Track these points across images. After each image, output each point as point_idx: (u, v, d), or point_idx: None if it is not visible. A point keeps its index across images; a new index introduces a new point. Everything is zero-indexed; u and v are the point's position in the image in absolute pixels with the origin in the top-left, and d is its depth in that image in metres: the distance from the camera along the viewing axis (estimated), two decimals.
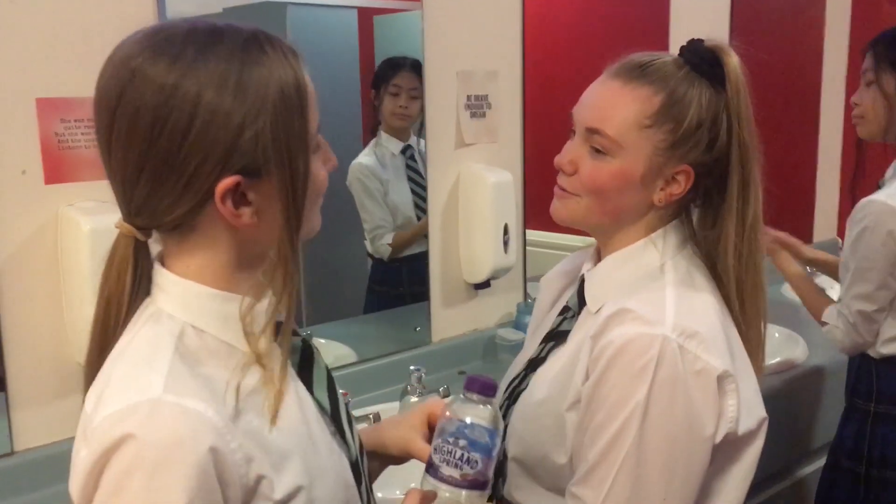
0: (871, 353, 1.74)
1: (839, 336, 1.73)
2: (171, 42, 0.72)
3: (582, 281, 1.09)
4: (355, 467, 0.85)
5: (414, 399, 1.68)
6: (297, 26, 1.80)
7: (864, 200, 1.68)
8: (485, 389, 0.88)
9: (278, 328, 0.78)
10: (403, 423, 0.98)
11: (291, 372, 0.81)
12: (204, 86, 0.70)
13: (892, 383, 1.73)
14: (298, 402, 0.80)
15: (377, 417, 1.59)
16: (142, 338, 0.75)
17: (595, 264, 1.09)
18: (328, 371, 0.87)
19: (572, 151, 1.03)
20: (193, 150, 0.71)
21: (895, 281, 1.67)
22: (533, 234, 2.21)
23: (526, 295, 2.21)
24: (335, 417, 0.85)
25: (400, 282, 2.05)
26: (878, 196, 1.67)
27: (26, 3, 1.33)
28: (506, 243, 2.01)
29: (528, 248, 2.19)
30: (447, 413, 0.88)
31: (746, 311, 1.03)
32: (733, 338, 1.02)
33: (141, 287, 0.78)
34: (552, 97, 2.20)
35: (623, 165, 1.00)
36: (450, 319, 2.04)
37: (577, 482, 0.97)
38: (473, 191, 1.99)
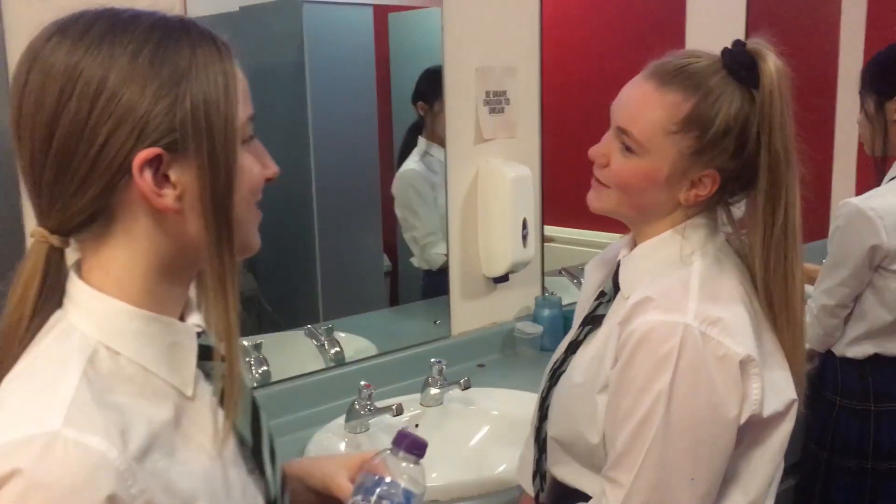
0: (835, 350, 1.86)
1: (808, 332, 1.82)
2: (78, 24, 0.68)
3: (618, 266, 1.13)
4: None
5: (435, 391, 1.71)
6: (312, 24, 1.82)
7: (842, 202, 1.80)
8: (412, 447, 0.83)
9: (209, 351, 0.73)
10: (338, 460, 0.93)
11: (213, 402, 0.74)
12: (115, 56, 0.66)
13: (854, 381, 1.84)
14: (215, 437, 0.73)
15: (399, 409, 1.61)
16: (46, 357, 0.67)
17: (630, 251, 1.13)
18: (254, 400, 0.81)
19: (606, 144, 1.07)
20: (103, 118, 0.66)
21: (856, 281, 1.77)
22: (551, 230, 2.22)
23: (544, 289, 2.22)
24: (256, 452, 0.79)
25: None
26: (855, 199, 1.78)
27: None
28: (524, 237, 2.03)
29: (546, 243, 2.21)
30: (369, 467, 0.84)
31: (778, 318, 1.04)
32: (762, 322, 1.04)
33: (50, 300, 0.70)
34: (570, 92, 2.22)
35: (649, 166, 1.03)
36: (469, 313, 2.06)
37: (610, 466, 1.01)
38: (492, 186, 2.00)
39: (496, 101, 2.03)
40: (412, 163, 2.01)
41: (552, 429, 1.14)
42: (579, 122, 2.27)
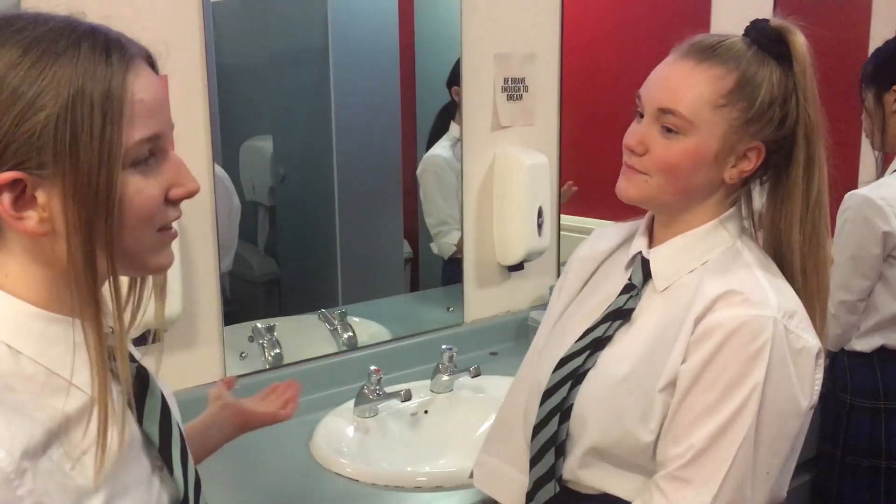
0: (846, 346, 1.84)
1: None
2: (1, 20, 0.68)
3: (644, 259, 1.09)
4: None
5: (445, 377, 1.71)
6: (337, 8, 1.82)
7: (848, 194, 1.77)
8: None
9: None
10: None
11: (121, 401, 0.74)
12: None
13: (863, 378, 1.82)
14: (121, 435, 0.73)
15: (408, 395, 1.62)
16: None
17: (649, 242, 1.10)
18: (163, 400, 0.81)
19: (641, 132, 1.03)
20: None
21: (874, 271, 1.75)
22: (567, 219, 2.21)
23: (559, 278, 2.21)
24: (164, 452, 0.79)
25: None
26: (862, 189, 1.76)
27: None
28: (540, 226, 2.02)
29: (562, 232, 2.20)
30: None
31: (809, 287, 1.04)
32: None
33: None
34: (591, 80, 2.20)
35: (697, 144, 1.00)
36: (483, 300, 2.06)
37: (683, 466, 0.97)
38: (509, 173, 1.99)
39: (514, 88, 2.01)
40: (440, 148, 2.01)
41: (589, 432, 1.06)
42: (599, 111, 2.25)
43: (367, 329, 1.89)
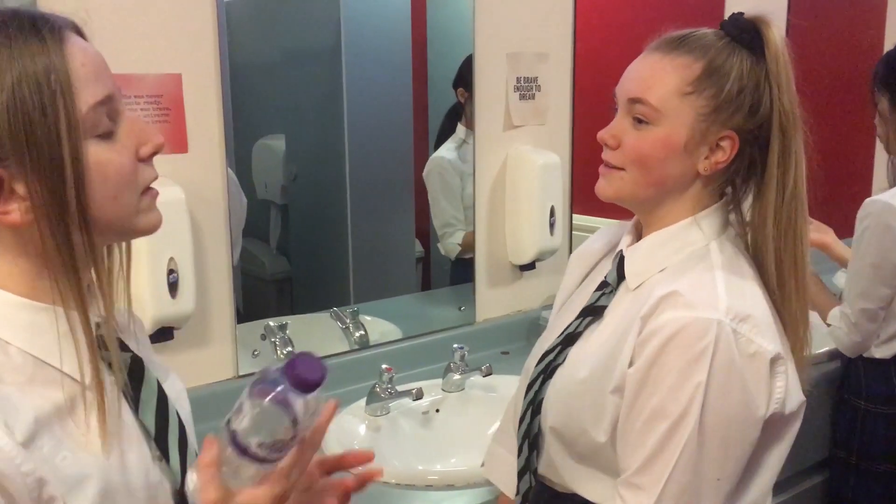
0: (864, 353, 1.80)
1: (841, 336, 1.77)
2: None
3: (621, 257, 1.09)
4: (181, 493, 0.81)
5: (457, 376, 1.71)
6: (350, 7, 1.82)
7: (868, 200, 1.74)
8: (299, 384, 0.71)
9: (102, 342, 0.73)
10: None
11: (114, 389, 0.75)
12: None
13: (879, 384, 1.80)
14: (115, 421, 0.74)
15: (419, 393, 1.62)
16: None
17: (634, 240, 1.10)
18: (160, 390, 0.82)
19: (615, 126, 1.04)
20: None
21: (895, 280, 1.71)
22: (579, 219, 2.21)
23: None
24: (160, 441, 0.80)
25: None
26: (882, 196, 1.72)
27: None
28: (552, 225, 2.02)
29: (574, 231, 2.19)
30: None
31: (785, 286, 1.02)
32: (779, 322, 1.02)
33: None
34: (603, 80, 2.17)
35: (666, 133, 1.00)
36: (494, 300, 2.06)
37: (635, 472, 0.97)
38: (521, 172, 1.99)
39: (527, 88, 2.01)
40: (445, 150, 2.01)
41: (551, 424, 1.09)
42: (612, 110, 2.24)
43: (378, 328, 1.90)
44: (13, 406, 0.68)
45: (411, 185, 2.04)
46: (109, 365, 0.76)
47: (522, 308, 2.11)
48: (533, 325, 2.08)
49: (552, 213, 2.01)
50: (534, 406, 1.12)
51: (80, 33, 0.74)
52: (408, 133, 2.01)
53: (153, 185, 0.78)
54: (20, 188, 0.68)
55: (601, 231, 1.23)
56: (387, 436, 1.59)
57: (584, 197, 2.19)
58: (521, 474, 1.15)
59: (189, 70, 1.50)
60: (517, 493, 1.16)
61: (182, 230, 1.45)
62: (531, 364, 1.16)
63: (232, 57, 1.55)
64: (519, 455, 1.15)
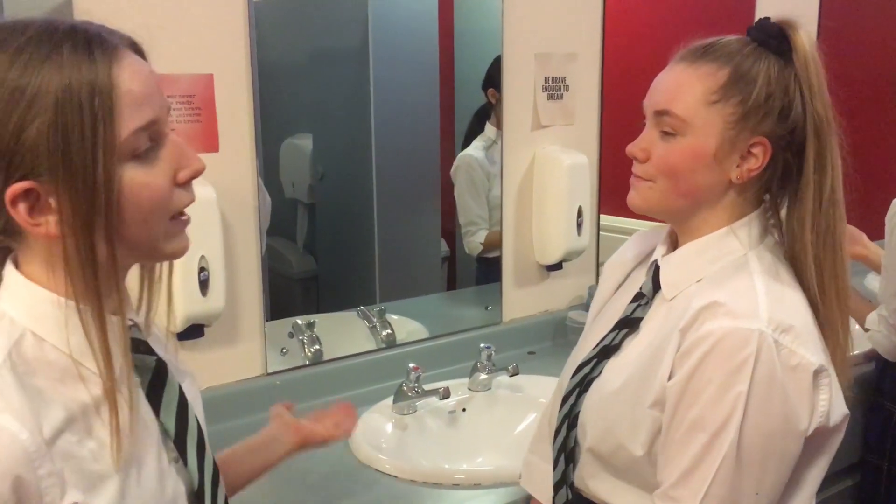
0: None
1: (881, 340, 1.73)
2: None
3: (656, 267, 1.08)
4: (197, 496, 0.83)
5: (483, 376, 1.72)
6: (377, 7, 1.83)
7: (895, 199, 1.70)
8: None
9: (139, 344, 0.75)
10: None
11: (139, 393, 0.78)
12: None
13: None
14: (140, 422, 0.76)
15: (446, 392, 1.62)
16: None
17: (669, 250, 1.08)
18: (181, 393, 0.83)
19: (644, 139, 1.03)
20: None
21: None
22: (607, 220, 2.20)
23: (598, 278, 2.20)
24: (179, 443, 0.81)
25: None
26: None
27: None
28: (579, 226, 2.01)
29: (601, 232, 2.19)
30: None
31: (827, 294, 0.99)
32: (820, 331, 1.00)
33: None
34: (632, 81, 2.16)
35: (694, 143, 0.99)
36: (521, 300, 2.06)
37: (673, 485, 0.95)
38: (548, 172, 1.99)
39: (555, 88, 2.01)
40: (473, 149, 2.01)
41: (587, 439, 1.07)
42: (640, 111, 2.22)
43: (405, 327, 1.90)
44: (44, 401, 0.70)
45: (437, 184, 2.04)
46: (137, 366, 0.77)
47: (549, 308, 2.11)
48: (560, 326, 2.08)
49: (580, 214, 2.01)
50: (569, 419, 1.11)
51: (138, 51, 0.75)
52: (434, 133, 2.01)
53: (188, 209, 0.78)
54: (53, 202, 0.69)
55: (634, 239, 1.22)
56: (414, 434, 1.60)
57: (611, 197, 2.19)
58: (557, 487, 1.14)
59: (221, 70, 1.52)
60: None
61: (213, 229, 1.46)
62: (566, 375, 1.15)
63: (260, 57, 1.56)
64: (555, 468, 1.14)
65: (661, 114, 1.01)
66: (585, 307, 2.10)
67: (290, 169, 1.80)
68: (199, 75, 1.49)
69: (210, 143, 1.52)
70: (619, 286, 1.18)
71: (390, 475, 1.43)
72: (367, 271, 1.94)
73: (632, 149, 1.04)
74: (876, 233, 1.97)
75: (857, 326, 1.78)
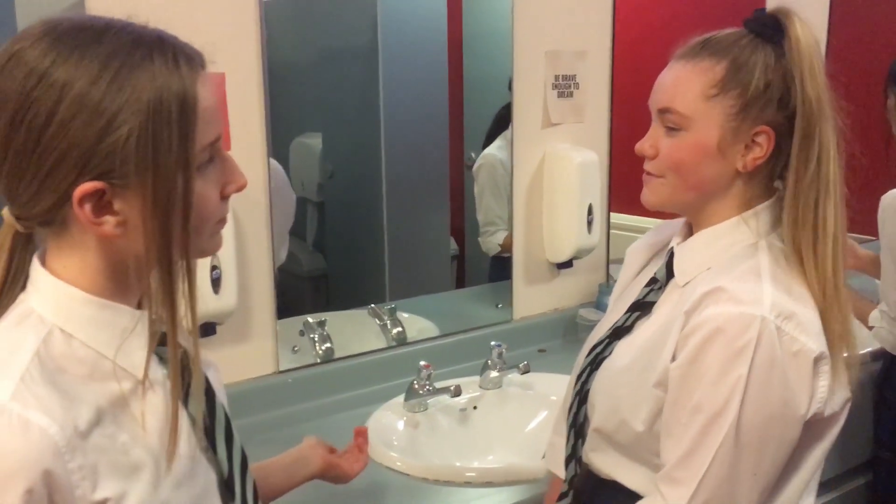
0: None
1: (885, 335, 1.74)
2: (57, 31, 0.69)
3: (671, 254, 1.11)
4: (227, 484, 0.84)
5: (495, 374, 1.72)
6: (387, 5, 1.83)
7: (883, 196, 1.73)
8: None
9: (163, 338, 0.76)
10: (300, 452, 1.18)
11: (168, 385, 0.78)
12: (74, 79, 0.67)
13: None
14: (166, 416, 0.77)
15: (458, 390, 1.62)
16: (3, 336, 0.72)
17: (685, 238, 1.11)
18: (208, 384, 0.85)
19: (651, 136, 1.07)
20: (52, 147, 0.68)
21: None
22: (617, 217, 2.20)
23: (608, 276, 2.20)
24: (208, 432, 0.83)
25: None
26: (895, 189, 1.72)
27: None
28: (589, 223, 2.01)
29: (612, 230, 2.19)
30: None
31: (821, 274, 0.98)
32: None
33: (17, 281, 0.75)
34: (642, 78, 2.15)
35: (697, 137, 1.02)
36: (531, 297, 2.06)
37: (674, 465, 0.98)
38: (558, 170, 1.99)
39: (565, 85, 2.01)
40: (495, 149, 2.02)
41: (593, 414, 1.12)
42: (650, 113, 2.22)
43: (415, 325, 1.90)
44: (75, 396, 0.71)
45: (446, 183, 2.05)
46: (161, 359, 0.78)
47: (559, 306, 2.11)
48: (570, 324, 2.07)
49: (590, 212, 2.00)
50: (580, 396, 1.15)
51: (204, 66, 0.76)
52: (443, 132, 2.01)
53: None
54: (117, 203, 0.71)
55: (657, 227, 1.25)
56: (425, 432, 1.60)
57: (622, 196, 2.18)
58: (567, 461, 1.18)
59: (232, 69, 1.52)
60: (564, 480, 1.19)
61: (226, 228, 1.45)
62: (582, 355, 1.19)
63: (270, 56, 1.56)
64: (566, 443, 1.19)
65: (664, 111, 1.04)
66: (596, 305, 2.10)
67: (299, 168, 1.80)
68: (211, 74, 1.49)
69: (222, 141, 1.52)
70: (640, 272, 1.21)
71: (402, 473, 1.43)
72: (376, 269, 1.95)
73: (640, 146, 1.07)
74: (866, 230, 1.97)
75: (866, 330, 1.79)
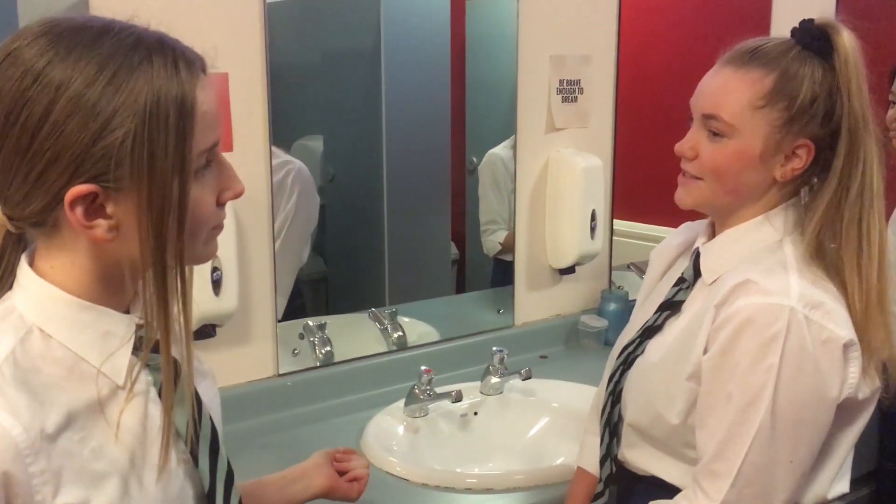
0: None
1: None
2: (56, 31, 0.69)
3: (697, 254, 1.13)
4: (208, 497, 0.82)
5: (496, 379, 1.70)
6: (390, 9, 1.82)
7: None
8: None
9: (154, 345, 0.75)
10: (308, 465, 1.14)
11: (151, 393, 0.77)
12: (70, 79, 0.66)
13: None
14: (143, 424, 0.75)
15: (458, 396, 1.61)
16: None
17: (709, 238, 1.13)
18: (197, 396, 0.82)
19: (692, 138, 1.08)
20: (45, 147, 0.67)
21: None
22: (620, 224, 2.19)
23: (611, 282, 2.19)
24: (191, 444, 0.80)
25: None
26: None
27: None
28: (592, 229, 2.00)
29: (614, 237, 2.17)
30: None
31: (848, 288, 1.01)
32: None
33: (5, 280, 0.75)
34: (647, 84, 2.17)
35: (740, 146, 1.03)
36: (533, 303, 2.04)
37: (712, 458, 0.99)
38: (562, 175, 1.98)
39: (569, 90, 2.00)
40: (500, 148, 2.01)
41: (628, 411, 1.15)
42: (655, 114, 2.22)
43: (416, 329, 1.89)
44: (47, 398, 0.69)
45: (448, 187, 2.04)
46: (147, 366, 0.77)
47: (561, 312, 2.10)
48: (572, 330, 2.06)
49: (593, 217, 1.99)
50: (614, 395, 1.18)
51: (205, 70, 0.75)
52: (445, 135, 2.00)
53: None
54: (110, 207, 0.70)
55: (681, 228, 1.27)
56: (425, 437, 1.59)
57: (625, 202, 2.17)
58: (602, 461, 1.20)
59: (235, 69, 1.51)
60: (600, 480, 1.21)
61: (227, 229, 1.42)
62: (613, 356, 1.22)
63: (271, 58, 1.56)
64: (601, 443, 1.20)
65: (709, 117, 1.05)
66: (598, 311, 2.09)
67: None
68: (214, 74, 1.48)
69: (224, 142, 1.48)
70: (665, 273, 1.23)
71: (402, 478, 1.42)
72: (376, 273, 1.93)
73: (680, 147, 1.09)
74: None
75: None
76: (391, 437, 1.55)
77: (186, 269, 0.81)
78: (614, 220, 2.16)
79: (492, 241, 2.04)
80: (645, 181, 2.17)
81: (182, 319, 0.77)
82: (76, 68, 0.67)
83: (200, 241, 0.76)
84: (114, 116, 0.67)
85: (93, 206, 0.69)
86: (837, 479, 1.07)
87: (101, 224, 0.70)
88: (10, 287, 0.75)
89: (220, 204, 0.77)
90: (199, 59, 0.74)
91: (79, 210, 0.69)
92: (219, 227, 0.79)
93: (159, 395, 0.78)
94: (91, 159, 0.67)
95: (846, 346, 0.97)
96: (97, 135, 0.67)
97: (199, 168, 0.72)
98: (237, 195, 0.78)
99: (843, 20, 1.04)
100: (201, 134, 0.71)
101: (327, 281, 1.90)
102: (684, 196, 1.10)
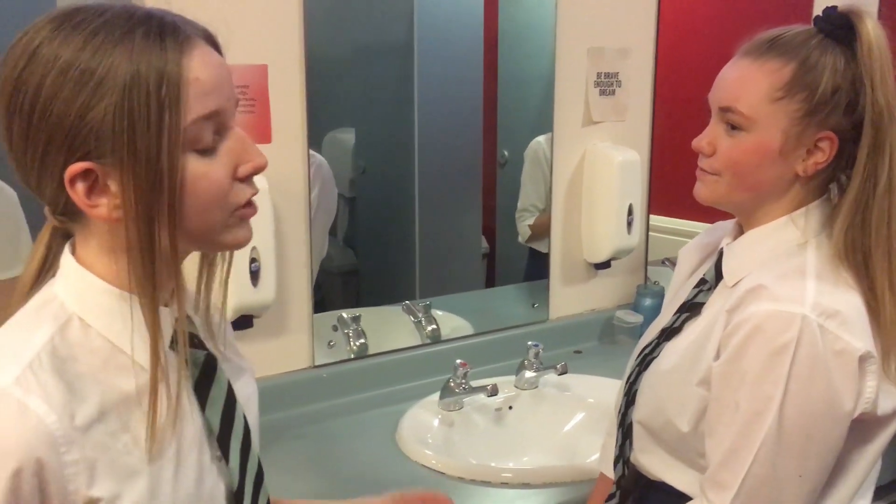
0: None
1: None
2: (57, 16, 0.69)
3: (720, 254, 1.09)
4: (236, 496, 0.81)
5: (531, 374, 1.69)
6: (423, 2, 1.82)
7: None
8: None
9: (190, 337, 0.74)
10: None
11: (186, 386, 0.76)
12: (56, 56, 0.66)
13: None
14: (177, 419, 0.74)
15: (494, 390, 1.60)
16: (24, 319, 0.72)
17: (735, 238, 1.09)
18: (230, 391, 0.81)
19: (709, 133, 1.04)
20: (41, 127, 0.67)
21: None
22: (657, 220, 2.16)
23: (647, 277, 2.17)
24: (222, 441, 0.79)
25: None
26: None
27: None
28: (629, 224, 1.98)
29: (651, 233, 2.15)
30: None
31: (876, 289, 0.96)
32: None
33: (51, 271, 0.75)
34: (685, 77, 2.14)
35: (759, 139, 0.99)
36: (568, 298, 2.03)
37: (717, 468, 0.96)
38: (599, 169, 1.96)
39: (607, 83, 1.98)
40: (544, 137, 1.99)
41: (640, 415, 1.12)
42: (693, 108, 2.18)
43: (450, 323, 1.89)
44: (83, 388, 0.69)
45: (479, 181, 2.03)
46: (186, 361, 0.76)
47: (596, 307, 2.08)
48: (607, 325, 2.05)
49: (630, 212, 1.97)
50: (629, 397, 1.15)
51: (212, 42, 0.74)
52: (477, 129, 1.99)
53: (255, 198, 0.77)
54: (113, 185, 0.69)
55: (710, 227, 1.23)
56: (460, 431, 1.58)
57: (662, 197, 2.15)
58: (615, 462, 1.18)
59: (275, 61, 1.51)
60: (614, 481, 1.19)
61: (265, 220, 1.46)
62: (632, 358, 1.19)
63: (306, 50, 1.56)
64: (616, 444, 1.18)
65: (725, 110, 1.01)
66: (633, 307, 2.07)
67: (332, 163, 1.79)
68: (254, 66, 1.49)
69: (263, 133, 1.51)
70: (693, 273, 1.19)
71: (438, 471, 1.42)
72: (407, 266, 1.93)
73: (698, 143, 1.05)
74: None
75: None
76: (426, 430, 1.54)
77: (218, 255, 0.81)
78: (651, 216, 2.14)
79: (523, 227, 2.03)
80: (682, 176, 2.14)
81: (222, 310, 0.76)
82: (63, 44, 0.67)
83: (217, 221, 0.73)
84: (97, 90, 0.66)
85: (96, 186, 0.69)
86: (858, 495, 1.01)
87: (104, 203, 0.69)
88: (55, 275, 0.75)
89: (241, 179, 0.74)
90: (196, 29, 0.72)
91: (79, 189, 0.68)
92: (248, 208, 0.75)
93: (195, 390, 0.78)
94: (80, 135, 0.67)
95: (862, 359, 0.92)
96: (84, 109, 0.67)
97: (202, 141, 0.70)
98: (258, 168, 0.74)
99: (885, 9, 1.00)
100: (194, 102, 0.69)
101: (358, 273, 1.90)
102: (703, 190, 1.05)
